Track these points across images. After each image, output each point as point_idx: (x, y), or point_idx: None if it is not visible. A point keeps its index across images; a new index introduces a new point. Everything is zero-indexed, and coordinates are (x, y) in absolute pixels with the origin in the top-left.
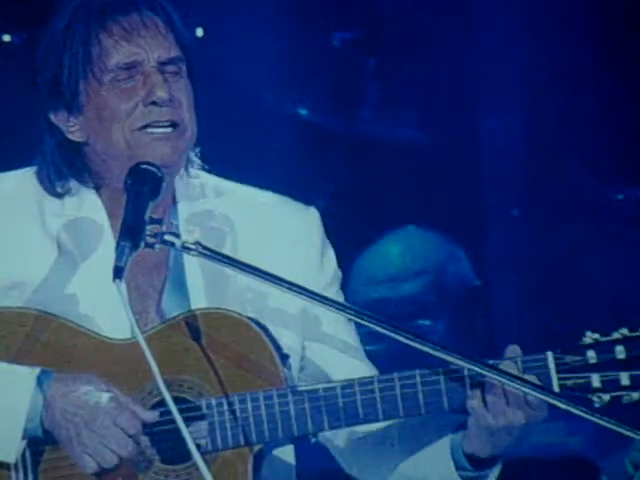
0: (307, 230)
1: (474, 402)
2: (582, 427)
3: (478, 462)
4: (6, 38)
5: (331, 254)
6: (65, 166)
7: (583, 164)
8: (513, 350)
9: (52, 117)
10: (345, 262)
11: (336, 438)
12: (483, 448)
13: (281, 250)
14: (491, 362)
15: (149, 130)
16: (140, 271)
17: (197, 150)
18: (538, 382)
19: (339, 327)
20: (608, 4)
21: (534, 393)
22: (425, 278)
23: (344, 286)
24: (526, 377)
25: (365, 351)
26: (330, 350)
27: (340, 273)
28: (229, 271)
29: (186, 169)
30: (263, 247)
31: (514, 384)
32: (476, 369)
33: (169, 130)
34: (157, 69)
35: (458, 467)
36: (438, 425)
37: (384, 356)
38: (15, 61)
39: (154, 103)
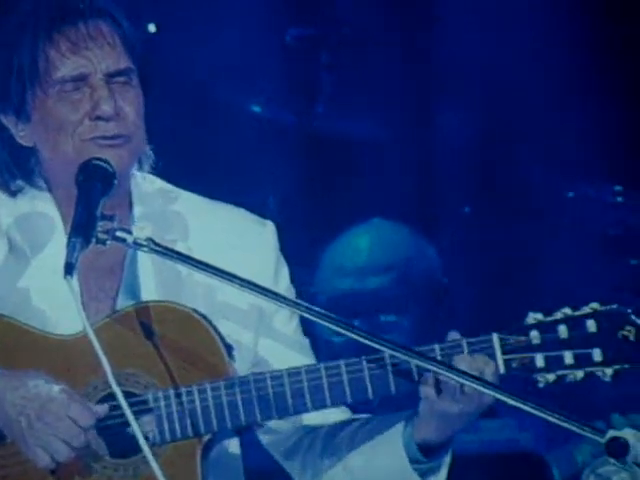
0: (262, 244)
1: (427, 390)
2: (532, 423)
3: (430, 451)
4: None
5: (285, 270)
6: (15, 167)
7: (534, 161)
8: (453, 337)
9: (2, 118)
10: (300, 261)
11: (282, 439)
12: (434, 433)
13: (234, 263)
14: (439, 345)
15: (95, 141)
16: (93, 277)
17: (149, 148)
18: (488, 364)
19: (290, 323)
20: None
21: (480, 387)
22: (393, 273)
23: (313, 276)
24: (474, 359)
25: (332, 343)
26: (281, 347)
27: (293, 289)
28: (184, 276)
29: (142, 174)
30: (216, 258)
31: (459, 378)
32: (426, 365)
33: (115, 141)
34: (104, 81)
35: (411, 460)
36: (389, 422)
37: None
38: None
39: (99, 118)
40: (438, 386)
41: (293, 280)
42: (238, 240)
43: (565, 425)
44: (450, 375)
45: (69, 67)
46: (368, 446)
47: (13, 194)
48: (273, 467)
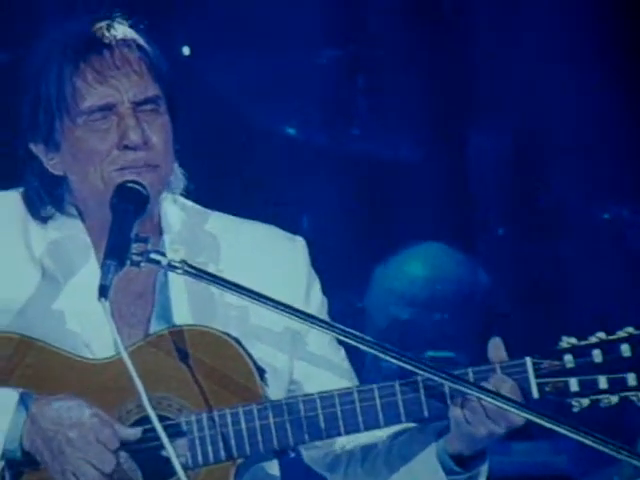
0: (293, 260)
1: (456, 412)
2: (567, 446)
3: (464, 462)
4: None
5: (317, 284)
6: (46, 195)
7: (569, 182)
8: (495, 343)
9: (32, 147)
10: (331, 281)
11: (322, 456)
12: (467, 447)
13: (266, 280)
14: (473, 370)
15: (123, 171)
16: (125, 302)
17: (181, 172)
18: (516, 395)
19: (326, 346)
20: (599, 18)
21: (511, 409)
22: (454, 309)
23: (364, 296)
24: (502, 381)
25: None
26: (317, 370)
27: (326, 301)
28: (216, 297)
29: (172, 196)
30: (247, 276)
31: (492, 401)
32: (457, 387)
33: (144, 170)
34: (132, 110)
35: (447, 472)
36: (422, 434)
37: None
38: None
39: (127, 147)
40: (466, 408)
41: (325, 292)
42: (269, 257)
43: (600, 448)
44: (484, 397)
45: (96, 97)
46: (404, 461)
47: (44, 220)
48: None
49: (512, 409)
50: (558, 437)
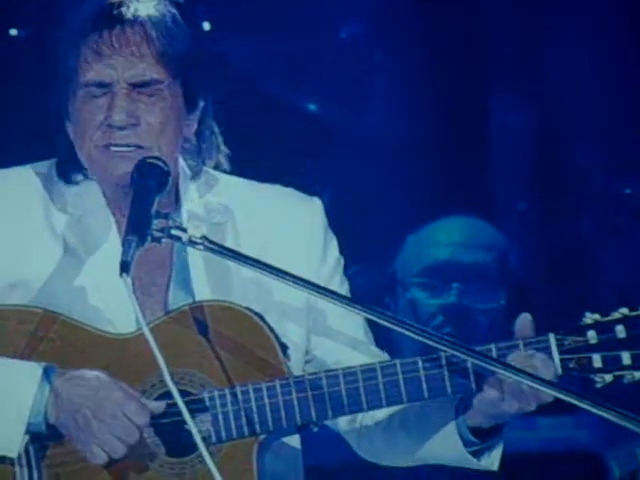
0: (310, 221)
1: (491, 393)
2: (590, 421)
3: (483, 434)
4: (13, 32)
5: (334, 244)
6: (73, 161)
7: (591, 157)
8: (524, 319)
9: (67, 122)
10: (350, 256)
11: (344, 422)
12: (488, 421)
13: (283, 241)
14: (496, 345)
15: (111, 148)
16: (143, 270)
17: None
18: (543, 365)
19: (346, 320)
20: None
21: (537, 385)
22: (491, 254)
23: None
24: (529, 357)
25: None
26: (336, 344)
27: (342, 260)
28: (233, 266)
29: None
30: (265, 238)
31: (516, 377)
32: (482, 364)
33: (130, 150)
34: (127, 90)
35: (465, 443)
36: (441, 404)
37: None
38: (21, 55)
39: (110, 126)
40: (501, 388)
41: (342, 252)
42: (285, 217)
43: (624, 423)
44: (507, 374)
45: (95, 72)
46: (422, 425)
47: (71, 183)
48: (333, 464)
49: (536, 385)
50: (581, 412)
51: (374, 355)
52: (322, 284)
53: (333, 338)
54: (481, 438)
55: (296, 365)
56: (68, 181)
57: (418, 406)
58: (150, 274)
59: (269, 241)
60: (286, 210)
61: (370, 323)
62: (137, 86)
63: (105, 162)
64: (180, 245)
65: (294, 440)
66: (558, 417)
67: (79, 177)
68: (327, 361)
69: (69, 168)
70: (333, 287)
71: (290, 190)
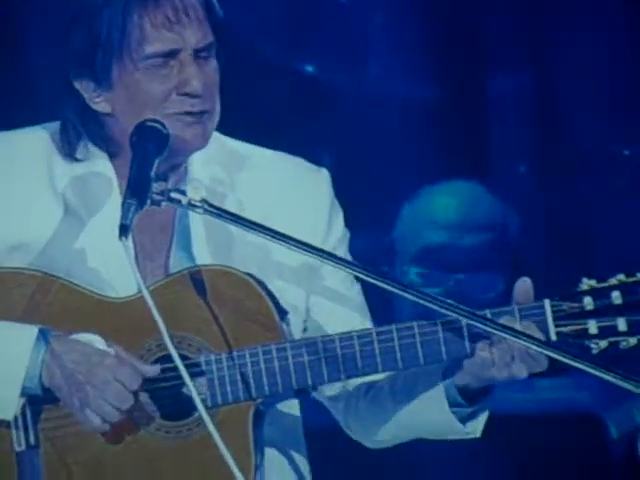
0: (316, 191)
1: (484, 354)
2: (589, 382)
3: (470, 396)
4: None
5: (339, 216)
6: (83, 129)
7: (590, 119)
8: (523, 284)
9: (76, 84)
10: (353, 219)
11: (330, 394)
12: (477, 382)
13: (288, 211)
14: (490, 311)
15: (180, 117)
16: (146, 234)
17: None
18: (537, 334)
19: (343, 284)
20: None
21: (533, 346)
22: (489, 234)
23: (390, 231)
24: (524, 328)
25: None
26: (333, 306)
27: (348, 233)
28: (233, 229)
29: None
30: (269, 207)
31: (513, 337)
32: (478, 324)
33: (199, 117)
34: (193, 57)
35: (451, 404)
36: (429, 371)
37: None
38: (33, 12)
39: (187, 94)
40: (494, 350)
41: (347, 225)
42: (291, 187)
43: (622, 384)
44: (505, 335)
45: (162, 43)
46: (409, 392)
47: (75, 160)
48: (334, 428)
49: (533, 346)
50: (580, 374)
51: (367, 319)
52: (324, 269)
53: (330, 299)
54: (468, 400)
55: (297, 327)
56: (70, 156)
57: (407, 372)
58: (152, 238)
59: (273, 210)
60: (293, 180)
61: (370, 289)
62: (198, 51)
63: (175, 129)
64: (182, 211)
65: (293, 406)
66: (556, 378)
67: (82, 152)
68: (322, 323)
69: (77, 139)
70: (333, 281)
71: (298, 160)
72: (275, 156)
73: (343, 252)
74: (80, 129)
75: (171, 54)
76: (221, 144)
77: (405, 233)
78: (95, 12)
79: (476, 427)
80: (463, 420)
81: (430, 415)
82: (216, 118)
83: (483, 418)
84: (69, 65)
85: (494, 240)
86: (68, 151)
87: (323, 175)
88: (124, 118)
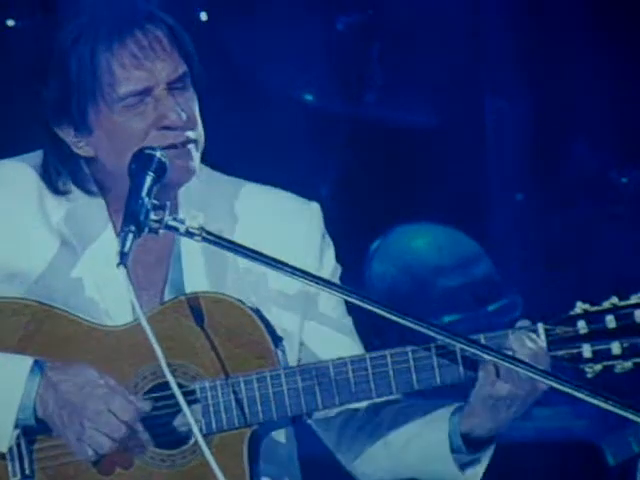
0: (307, 225)
1: (489, 366)
2: (587, 411)
3: (473, 443)
4: (10, 23)
5: (330, 250)
6: (69, 175)
7: (588, 147)
8: (523, 323)
9: (57, 131)
10: (352, 246)
11: (328, 425)
12: (481, 424)
13: (279, 245)
14: (485, 335)
15: (166, 152)
16: (142, 267)
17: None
18: (529, 344)
19: (336, 311)
20: None
21: (529, 373)
22: (457, 275)
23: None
24: (521, 354)
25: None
26: (327, 332)
27: (339, 268)
28: (229, 258)
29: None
30: (262, 242)
31: (508, 363)
32: (475, 351)
33: (183, 149)
34: (167, 91)
35: (453, 449)
36: (435, 409)
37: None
38: (18, 45)
39: (167, 128)
40: (490, 370)
41: (339, 260)
42: (283, 222)
43: (620, 412)
44: (501, 362)
45: (133, 82)
46: (411, 427)
47: (61, 193)
48: (329, 456)
49: (531, 374)
50: (578, 402)
51: (357, 345)
52: (317, 296)
53: (324, 326)
54: (471, 447)
55: (293, 356)
56: (58, 192)
57: (408, 409)
58: (149, 271)
59: (263, 246)
60: (283, 214)
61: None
62: (172, 83)
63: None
64: (179, 241)
65: (288, 434)
66: (556, 407)
67: (68, 186)
68: (315, 350)
69: (57, 179)
70: (327, 308)
71: (288, 194)
72: (264, 190)
73: (336, 299)
74: (64, 173)
75: (145, 92)
76: (211, 179)
77: (429, 285)
78: (64, 58)
79: (476, 474)
80: (463, 466)
81: (430, 459)
82: (201, 146)
83: (483, 465)
84: (48, 113)
85: (462, 281)
86: (53, 188)
87: (314, 209)
88: (108, 160)
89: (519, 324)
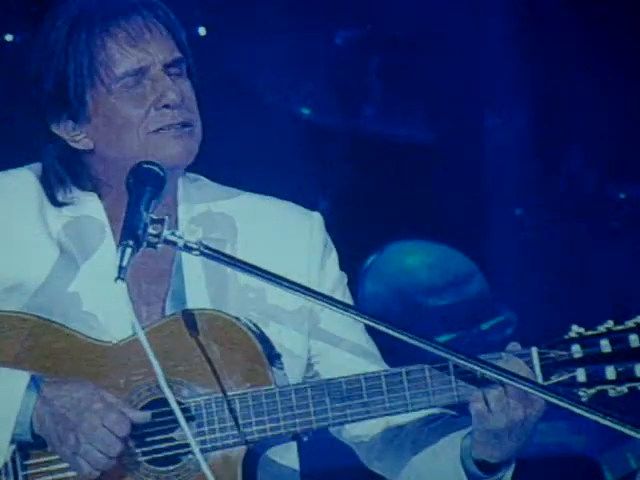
0: (308, 236)
1: (478, 405)
2: (584, 426)
3: (488, 468)
4: (8, 37)
5: (334, 258)
6: (68, 175)
7: (586, 163)
8: (513, 347)
9: (54, 128)
10: (350, 261)
11: (353, 435)
12: (491, 453)
13: (282, 257)
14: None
15: (162, 132)
16: (144, 281)
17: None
18: (524, 369)
19: (345, 326)
20: (613, 5)
21: (529, 389)
22: (449, 293)
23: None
24: (510, 366)
25: None
26: (335, 349)
27: (345, 275)
28: (230, 273)
29: (184, 172)
30: (264, 253)
31: (511, 381)
32: (475, 367)
33: (182, 130)
34: (164, 72)
35: (469, 474)
36: (450, 431)
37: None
38: (17, 60)
39: (167, 106)
40: (488, 398)
41: (342, 267)
42: (284, 234)
43: (618, 428)
44: (500, 378)
45: (130, 61)
46: (430, 452)
47: (61, 205)
48: (331, 470)
49: (529, 389)
50: (576, 417)
51: (376, 361)
52: (322, 313)
53: (332, 343)
54: (488, 471)
55: (297, 373)
56: (57, 204)
57: (429, 420)
58: (151, 284)
59: (267, 254)
60: (285, 225)
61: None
62: (168, 66)
63: (159, 146)
64: (179, 259)
65: (290, 449)
66: (554, 422)
67: (68, 196)
68: (324, 365)
69: (61, 185)
70: (333, 316)
71: (290, 204)
72: (265, 201)
73: (341, 294)
74: (62, 174)
75: (141, 72)
76: (211, 191)
77: (416, 305)
78: (60, 51)
79: None
80: None
81: (449, 478)
82: (197, 135)
83: None
84: (45, 110)
85: (454, 299)
86: (52, 197)
87: (315, 219)
88: (107, 149)
89: (510, 347)
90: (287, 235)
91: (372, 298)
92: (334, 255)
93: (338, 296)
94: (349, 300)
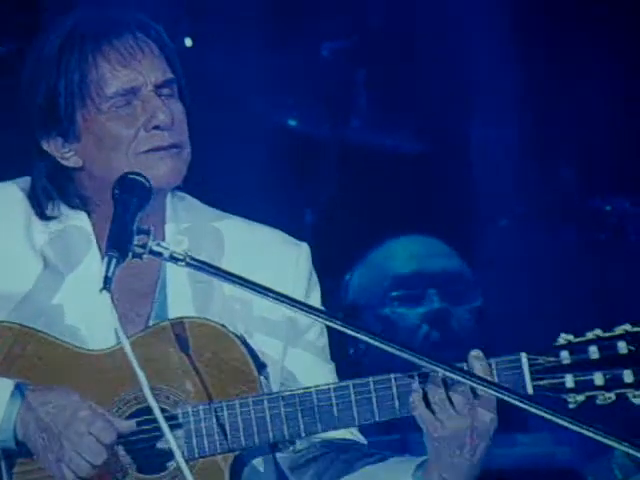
0: (295, 264)
1: (420, 409)
2: (568, 437)
3: None
4: None
5: (317, 291)
6: (55, 191)
7: (572, 175)
8: (476, 354)
9: (44, 145)
10: (336, 274)
11: (289, 454)
12: (442, 477)
13: (268, 285)
14: (465, 366)
15: (151, 154)
16: (128, 299)
17: None
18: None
19: (319, 338)
20: (603, 17)
21: (510, 399)
22: (456, 260)
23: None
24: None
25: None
26: (309, 358)
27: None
28: (217, 287)
29: (176, 192)
30: (249, 279)
31: (488, 389)
32: (454, 376)
33: (171, 151)
34: (155, 93)
35: None
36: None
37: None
38: (4, 72)
39: (157, 127)
40: (428, 404)
41: (324, 303)
42: (271, 260)
43: (602, 439)
44: (485, 389)
45: (121, 81)
46: (382, 467)
47: (48, 218)
48: None
49: (512, 400)
50: (560, 429)
51: (333, 374)
52: (304, 326)
53: (307, 356)
54: None
55: (275, 382)
56: (45, 218)
57: (371, 454)
58: (133, 304)
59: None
60: (272, 253)
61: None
62: (159, 87)
63: (147, 167)
64: (164, 277)
65: (273, 459)
66: (537, 433)
67: (55, 211)
68: (300, 378)
69: (45, 200)
70: (310, 337)
71: (278, 233)
72: (253, 227)
73: (320, 328)
74: (51, 191)
75: (132, 92)
76: (199, 214)
77: (369, 282)
78: (52, 66)
79: None
80: None
81: None
82: (187, 157)
83: None
84: (35, 126)
85: (461, 265)
86: (40, 211)
87: (302, 249)
88: (96, 168)
89: (473, 354)
90: (273, 263)
91: (352, 309)
92: (317, 288)
93: (317, 329)
94: (323, 337)
